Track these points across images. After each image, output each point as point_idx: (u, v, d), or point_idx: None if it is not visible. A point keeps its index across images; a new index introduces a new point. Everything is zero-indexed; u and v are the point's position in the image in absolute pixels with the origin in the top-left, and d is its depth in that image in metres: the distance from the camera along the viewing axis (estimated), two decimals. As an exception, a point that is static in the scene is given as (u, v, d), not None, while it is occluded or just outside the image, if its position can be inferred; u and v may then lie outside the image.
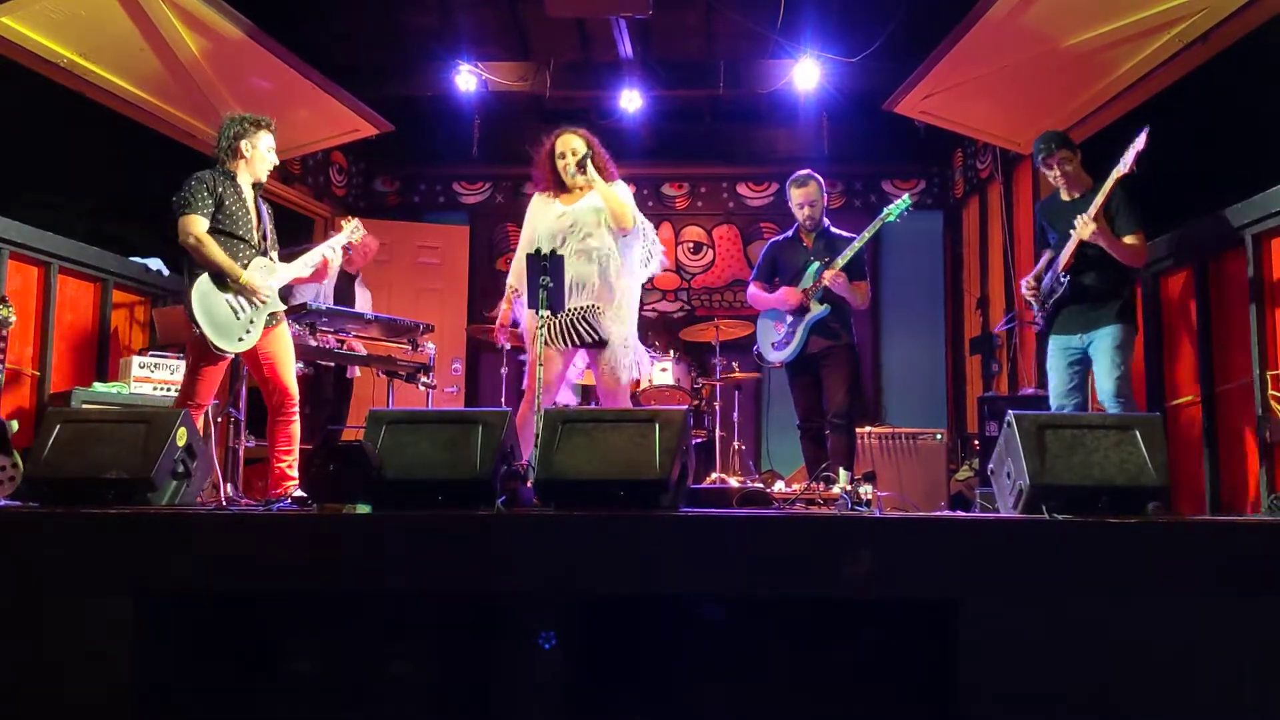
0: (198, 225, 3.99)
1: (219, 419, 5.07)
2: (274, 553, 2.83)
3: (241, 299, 4.06)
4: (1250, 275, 4.34)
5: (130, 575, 2.79)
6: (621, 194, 4.27)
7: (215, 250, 4.01)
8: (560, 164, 4.31)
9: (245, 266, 4.06)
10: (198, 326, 3.94)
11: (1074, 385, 4.39)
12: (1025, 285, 4.52)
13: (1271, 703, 2.60)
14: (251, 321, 4.08)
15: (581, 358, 4.53)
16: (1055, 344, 4.44)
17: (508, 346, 4.68)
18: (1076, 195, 4.36)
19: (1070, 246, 4.25)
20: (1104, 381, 4.23)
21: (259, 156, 4.22)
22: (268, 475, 4.26)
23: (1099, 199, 4.14)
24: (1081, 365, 4.38)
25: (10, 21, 4.84)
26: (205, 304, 3.97)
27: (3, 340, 4.11)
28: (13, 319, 4.14)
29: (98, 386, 5.28)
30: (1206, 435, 4.65)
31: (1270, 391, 4.16)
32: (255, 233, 4.19)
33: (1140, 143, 4.02)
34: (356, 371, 6.00)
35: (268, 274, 4.13)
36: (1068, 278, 4.30)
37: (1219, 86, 5.10)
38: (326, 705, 2.88)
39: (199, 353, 4.06)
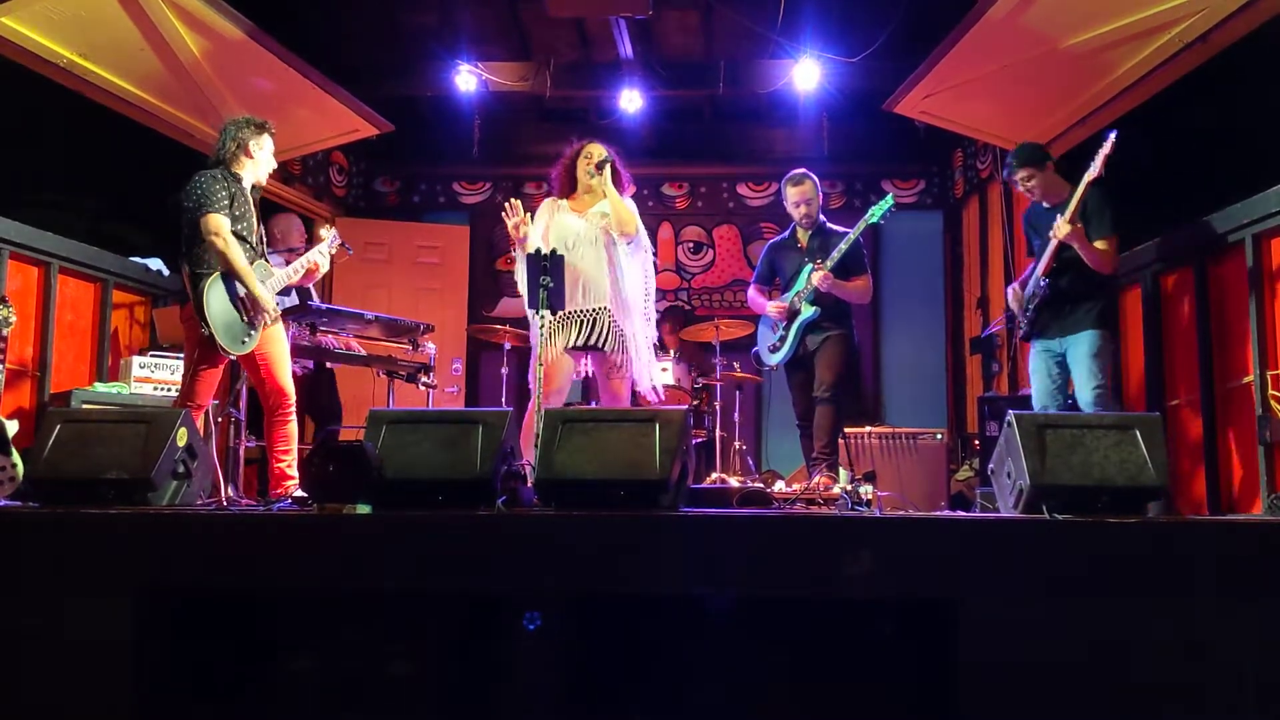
0: (223, 225, 3.99)
1: (219, 419, 5.07)
2: (274, 553, 2.83)
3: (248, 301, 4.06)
4: (1250, 275, 4.35)
5: (130, 575, 2.79)
6: (629, 203, 4.44)
7: (239, 257, 4.01)
8: (583, 163, 4.49)
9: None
10: (207, 327, 3.94)
11: (1056, 388, 4.44)
12: (1011, 292, 4.55)
13: (1271, 703, 2.60)
14: (253, 324, 4.08)
15: (588, 361, 4.56)
16: (1037, 348, 4.50)
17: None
18: (1055, 203, 4.40)
19: (1049, 249, 4.31)
20: (1083, 391, 4.28)
21: (264, 159, 4.24)
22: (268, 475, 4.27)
23: (1073, 202, 4.21)
24: (1062, 370, 4.43)
25: (10, 21, 4.83)
26: (215, 305, 3.97)
27: (3, 340, 4.10)
28: (13, 319, 4.14)
29: (98, 386, 5.28)
30: (1206, 435, 4.65)
31: (1270, 391, 4.17)
32: (255, 235, 4.20)
33: (1108, 147, 4.13)
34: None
35: (265, 279, 4.14)
36: (1046, 281, 4.35)
37: (1219, 86, 5.09)
38: (326, 705, 2.88)
39: (200, 353, 4.06)
